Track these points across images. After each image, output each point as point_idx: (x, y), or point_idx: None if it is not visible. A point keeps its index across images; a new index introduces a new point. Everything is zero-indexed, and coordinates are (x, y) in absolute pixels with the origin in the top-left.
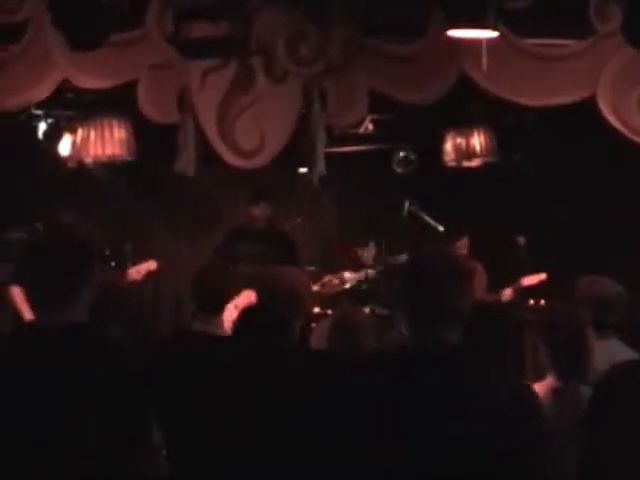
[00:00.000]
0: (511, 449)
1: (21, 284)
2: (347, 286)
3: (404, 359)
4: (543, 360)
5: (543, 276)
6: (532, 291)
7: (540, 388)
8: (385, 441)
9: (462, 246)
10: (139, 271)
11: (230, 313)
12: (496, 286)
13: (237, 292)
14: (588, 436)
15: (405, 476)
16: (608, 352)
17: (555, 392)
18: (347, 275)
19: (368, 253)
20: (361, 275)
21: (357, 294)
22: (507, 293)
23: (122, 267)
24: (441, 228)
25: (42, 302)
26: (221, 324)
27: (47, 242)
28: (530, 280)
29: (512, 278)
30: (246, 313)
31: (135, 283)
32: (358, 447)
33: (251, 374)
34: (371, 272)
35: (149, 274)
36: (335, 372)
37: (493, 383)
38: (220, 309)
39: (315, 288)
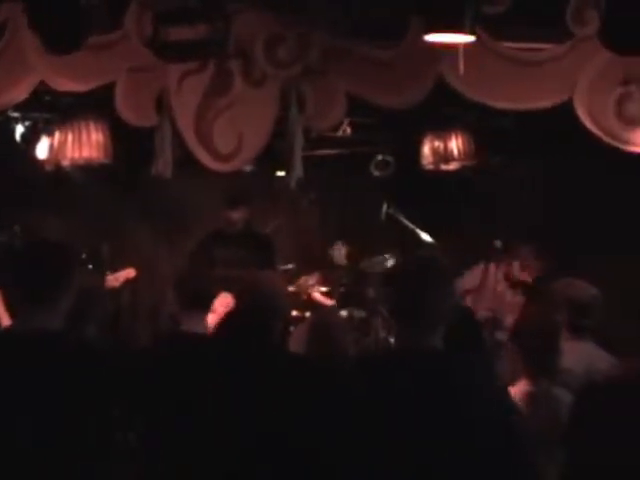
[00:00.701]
0: (492, 449)
1: (1, 287)
2: (323, 288)
3: (387, 362)
4: (516, 363)
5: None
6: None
7: (514, 391)
8: (367, 442)
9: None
10: (117, 279)
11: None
12: None
13: (215, 295)
14: (568, 450)
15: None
16: (583, 354)
17: (528, 395)
18: (318, 277)
19: (339, 253)
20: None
21: (335, 297)
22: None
23: (100, 270)
24: (427, 237)
25: (22, 306)
26: (207, 323)
27: (28, 246)
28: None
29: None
30: (228, 317)
31: (113, 289)
32: (342, 448)
33: (235, 376)
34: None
35: (127, 281)
36: (318, 375)
37: (473, 385)
38: (206, 308)
39: (291, 289)
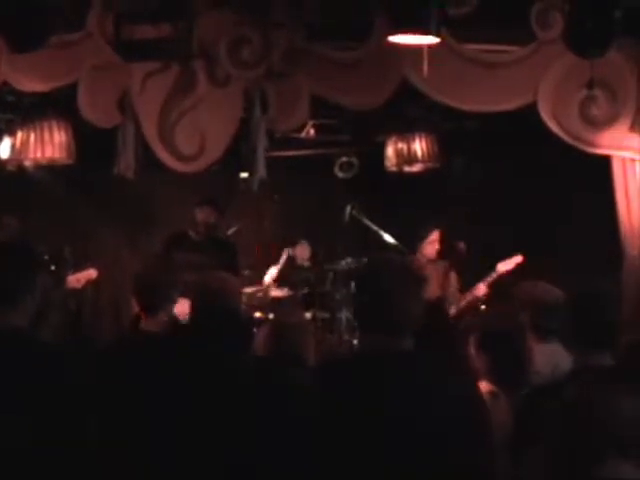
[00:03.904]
0: (459, 446)
1: None
2: (274, 293)
3: (355, 365)
4: (478, 365)
5: (519, 258)
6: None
7: None
8: (337, 445)
9: (433, 239)
10: (79, 279)
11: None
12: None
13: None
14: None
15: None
16: (548, 355)
17: (490, 394)
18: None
19: (301, 253)
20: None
21: (298, 298)
22: (486, 283)
23: (62, 271)
24: (391, 239)
25: None
26: (164, 324)
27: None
28: (506, 265)
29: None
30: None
31: (74, 290)
32: (312, 451)
33: (184, 376)
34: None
35: (89, 282)
36: (283, 378)
37: (441, 384)
38: (162, 309)
39: (252, 290)
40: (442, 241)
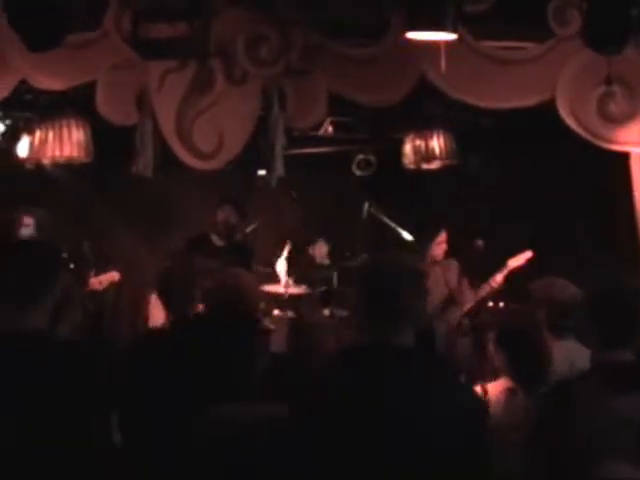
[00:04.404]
0: (453, 449)
1: None
2: (292, 291)
3: (355, 360)
4: (497, 363)
5: (529, 254)
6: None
7: (495, 388)
8: (335, 441)
9: (441, 240)
10: (101, 281)
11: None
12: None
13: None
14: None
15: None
16: (565, 353)
17: (508, 391)
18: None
19: (320, 251)
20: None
21: (317, 296)
22: (497, 280)
23: (81, 269)
24: (409, 236)
25: (8, 306)
26: None
27: (13, 246)
28: (517, 261)
29: (475, 278)
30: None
31: (96, 292)
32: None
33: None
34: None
35: (111, 284)
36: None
37: (436, 384)
38: (188, 306)
39: (271, 289)
40: (449, 241)
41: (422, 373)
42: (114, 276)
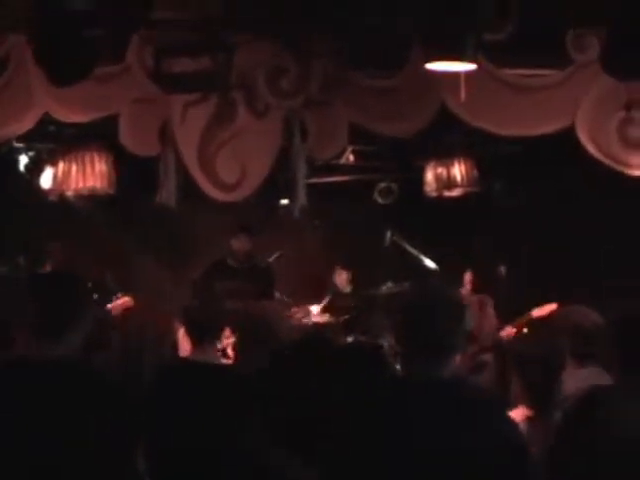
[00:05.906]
0: None
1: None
2: (315, 319)
3: (397, 392)
4: (516, 390)
5: (554, 306)
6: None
7: (514, 415)
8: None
9: (467, 281)
10: (115, 308)
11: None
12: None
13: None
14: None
15: None
16: (587, 380)
17: (528, 420)
18: (312, 307)
19: (340, 279)
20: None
21: (340, 324)
22: (511, 329)
23: (105, 300)
24: (431, 264)
25: (42, 335)
26: (216, 354)
27: (43, 277)
28: (541, 311)
29: (498, 306)
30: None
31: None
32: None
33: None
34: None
35: (127, 310)
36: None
37: (480, 419)
38: (215, 338)
39: (295, 315)
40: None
41: (458, 407)
42: (127, 302)
